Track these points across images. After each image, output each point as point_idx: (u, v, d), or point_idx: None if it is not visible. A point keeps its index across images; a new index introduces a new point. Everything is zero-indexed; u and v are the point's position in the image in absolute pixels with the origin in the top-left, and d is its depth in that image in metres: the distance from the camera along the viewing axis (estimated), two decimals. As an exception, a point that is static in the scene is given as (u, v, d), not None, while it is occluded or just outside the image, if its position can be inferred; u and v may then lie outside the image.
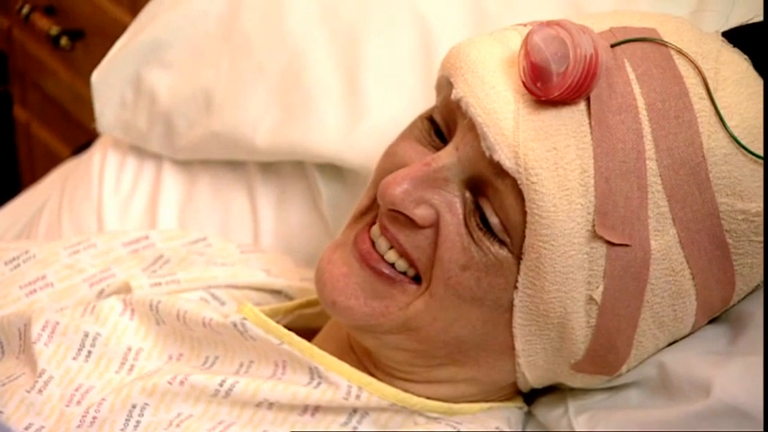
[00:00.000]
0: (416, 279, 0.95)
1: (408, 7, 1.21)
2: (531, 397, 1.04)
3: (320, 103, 1.19)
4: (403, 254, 0.94)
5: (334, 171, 1.22)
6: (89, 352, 1.02)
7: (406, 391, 0.97)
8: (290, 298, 1.14)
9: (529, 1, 1.17)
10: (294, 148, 1.20)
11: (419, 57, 1.18)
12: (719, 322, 0.98)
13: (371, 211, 0.98)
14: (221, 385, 0.95)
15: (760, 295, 0.97)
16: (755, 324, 0.95)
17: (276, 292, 1.13)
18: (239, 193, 1.27)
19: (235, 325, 0.98)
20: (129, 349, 1.02)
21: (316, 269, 0.97)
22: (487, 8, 1.19)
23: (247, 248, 1.21)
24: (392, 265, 0.95)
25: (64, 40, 1.84)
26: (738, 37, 0.95)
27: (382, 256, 0.95)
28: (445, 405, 0.98)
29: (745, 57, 0.94)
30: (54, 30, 1.85)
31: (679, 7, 1.11)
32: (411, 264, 0.94)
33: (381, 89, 1.18)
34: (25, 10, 1.90)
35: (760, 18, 0.97)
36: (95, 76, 1.33)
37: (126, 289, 1.09)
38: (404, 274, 0.95)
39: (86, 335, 1.02)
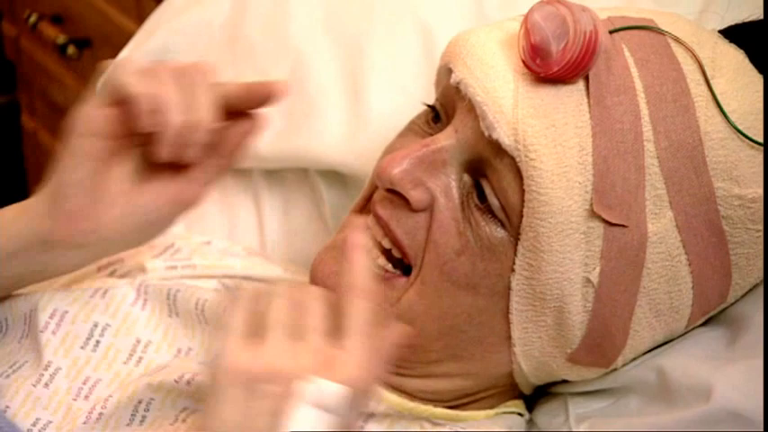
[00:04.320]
0: (407, 270, 0.95)
1: (411, 15, 1.22)
2: (532, 404, 1.04)
3: (323, 111, 1.20)
4: (393, 240, 0.94)
5: (337, 178, 1.22)
6: (97, 342, 1.02)
7: (401, 386, 0.97)
8: None
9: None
10: (298, 154, 1.21)
11: (422, 64, 1.19)
12: (717, 325, 0.99)
13: (366, 210, 0.98)
14: None
15: (757, 297, 0.97)
16: (753, 327, 0.95)
17: None
18: (245, 200, 1.28)
19: None
20: (138, 341, 1.02)
21: (310, 269, 0.98)
22: (491, 15, 1.20)
23: (252, 252, 1.22)
24: (387, 253, 0.95)
25: (71, 49, 1.85)
26: (734, 34, 0.97)
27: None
28: (452, 413, 0.98)
29: (741, 50, 0.95)
30: (61, 38, 1.86)
31: (683, 9, 1.12)
32: (401, 251, 0.94)
33: (384, 96, 1.19)
34: (32, 19, 1.91)
35: (755, 17, 0.98)
36: (100, 86, 1.33)
37: (140, 269, 1.09)
38: (395, 266, 0.95)
39: (96, 325, 1.03)
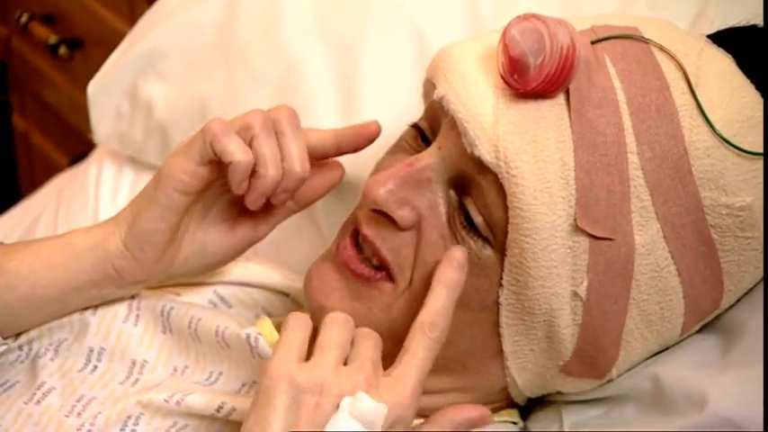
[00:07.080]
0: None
1: (405, 20, 1.21)
2: (526, 413, 1.04)
3: (316, 115, 1.19)
4: (378, 257, 0.94)
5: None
6: (95, 366, 1.02)
7: None
8: (296, 302, 1.13)
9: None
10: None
11: (416, 68, 1.18)
12: (712, 333, 0.98)
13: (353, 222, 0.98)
14: (218, 411, 0.94)
15: (751, 304, 0.97)
16: (748, 335, 0.95)
17: (284, 295, 1.13)
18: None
19: (248, 337, 0.98)
20: (134, 363, 1.02)
21: (305, 278, 0.98)
22: (485, 21, 1.19)
23: (250, 257, 1.21)
24: (370, 262, 0.95)
25: (62, 50, 1.85)
26: (723, 39, 0.96)
27: (359, 256, 0.95)
28: None
29: (729, 55, 0.95)
30: (53, 39, 1.86)
31: (680, 11, 1.11)
32: (386, 267, 0.94)
33: (377, 100, 1.18)
34: (24, 19, 1.90)
35: (749, 20, 0.98)
36: (91, 88, 1.33)
37: None
38: (378, 269, 0.95)
39: (91, 350, 1.02)
